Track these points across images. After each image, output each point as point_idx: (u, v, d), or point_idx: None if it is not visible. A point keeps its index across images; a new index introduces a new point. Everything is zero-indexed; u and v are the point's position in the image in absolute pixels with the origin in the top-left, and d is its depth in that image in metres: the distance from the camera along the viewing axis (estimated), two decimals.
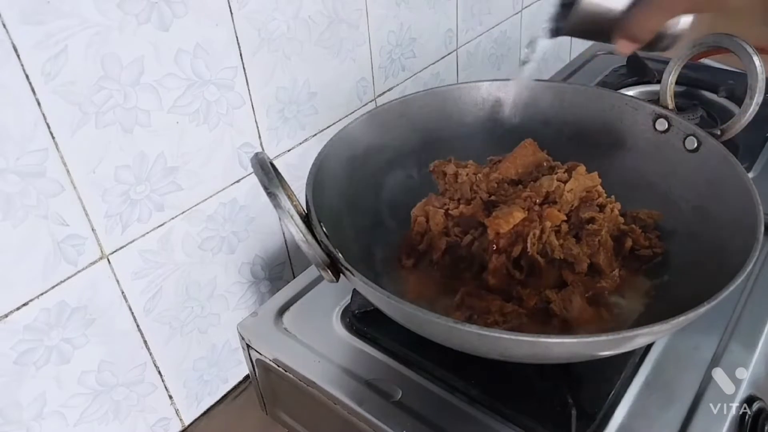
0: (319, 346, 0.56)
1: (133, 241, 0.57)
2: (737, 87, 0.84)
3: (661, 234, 0.58)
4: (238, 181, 0.65)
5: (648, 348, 0.53)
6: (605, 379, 0.50)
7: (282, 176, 0.47)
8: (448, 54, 0.89)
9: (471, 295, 0.53)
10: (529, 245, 0.52)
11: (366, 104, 0.77)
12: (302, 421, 0.60)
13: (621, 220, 0.57)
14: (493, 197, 0.58)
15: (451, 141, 0.66)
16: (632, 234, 0.57)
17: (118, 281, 0.57)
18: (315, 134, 0.72)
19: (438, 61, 0.87)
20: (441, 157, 0.65)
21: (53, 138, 0.48)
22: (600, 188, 0.58)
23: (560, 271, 0.53)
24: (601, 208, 0.57)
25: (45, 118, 0.47)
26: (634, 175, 0.62)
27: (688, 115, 0.73)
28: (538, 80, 0.68)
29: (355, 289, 0.55)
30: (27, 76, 0.46)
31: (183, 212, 0.61)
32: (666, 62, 0.64)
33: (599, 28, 0.48)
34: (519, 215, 0.53)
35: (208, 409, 0.71)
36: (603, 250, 0.54)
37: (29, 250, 0.50)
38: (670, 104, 0.63)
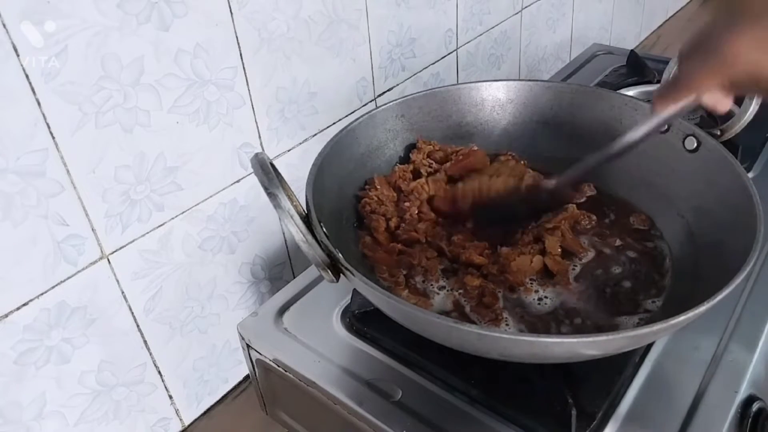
0: (319, 346, 0.56)
1: (133, 241, 0.57)
2: None
3: (660, 234, 0.59)
4: (238, 181, 0.65)
5: (648, 348, 0.53)
6: (605, 379, 0.50)
7: (282, 176, 0.47)
8: (448, 54, 0.89)
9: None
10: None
11: (366, 104, 0.77)
12: (302, 421, 0.60)
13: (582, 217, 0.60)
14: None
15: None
16: None
17: (118, 281, 0.57)
18: (315, 134, 0.72)
19: (438, 61, 0.87)
20: None
21: (53, 138, 0.48)
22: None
23: (541, 257, 0.54)
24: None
25: (45, 118, 0.47)
26: (634, 175, 0.62)
27: (688, 115, 0.73)
28: (538, 80, 0.68)
29: (355, 289, 0.55)
30: (27, 76, 0.46)
31: (183, 212, 0.61)
32: (666, 62, 0.64)
33: None
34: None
35: (208, 409, 0.71)
36: (566, 238, 0.56)
37: (29, 250, 0.50)
38: None
